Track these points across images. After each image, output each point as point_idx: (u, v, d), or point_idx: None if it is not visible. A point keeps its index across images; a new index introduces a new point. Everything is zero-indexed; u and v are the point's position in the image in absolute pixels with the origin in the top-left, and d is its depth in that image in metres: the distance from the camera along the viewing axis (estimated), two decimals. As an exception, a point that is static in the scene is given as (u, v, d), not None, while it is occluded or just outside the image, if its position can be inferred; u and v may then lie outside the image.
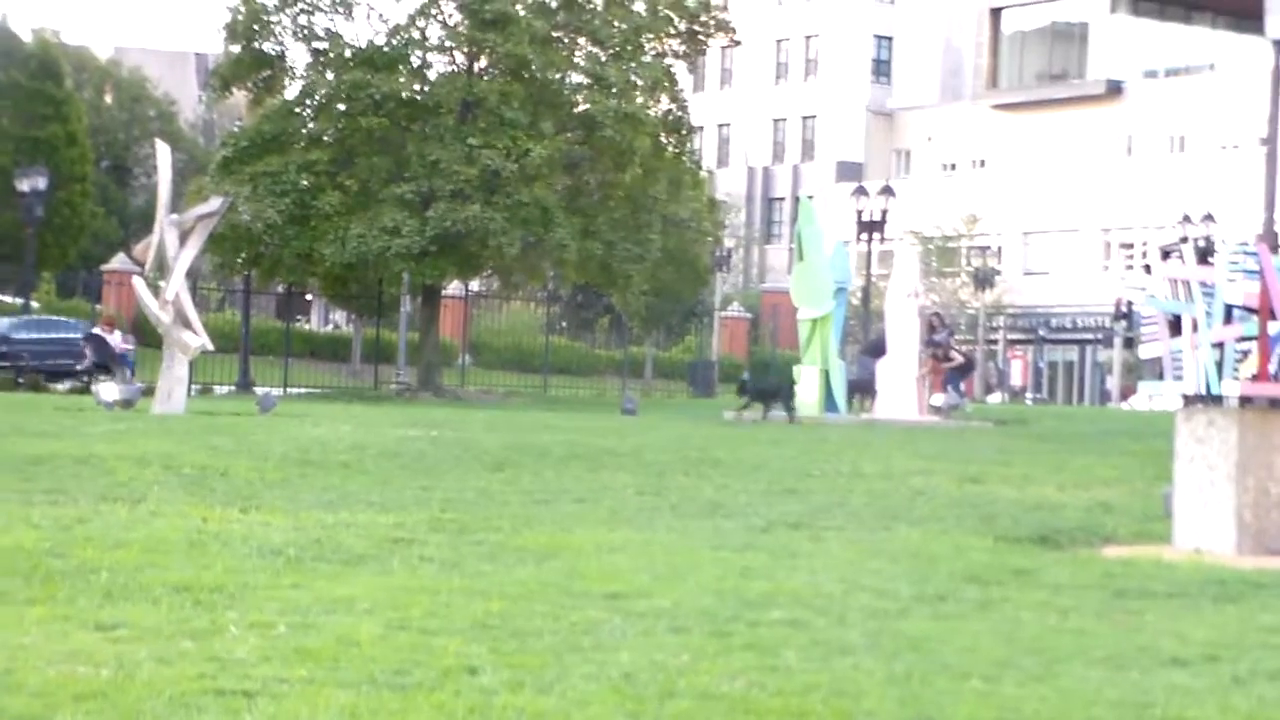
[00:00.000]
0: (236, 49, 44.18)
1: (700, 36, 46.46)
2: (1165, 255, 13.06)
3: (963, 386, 37.86)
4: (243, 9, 43.75)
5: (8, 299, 51.51)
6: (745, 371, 41.33)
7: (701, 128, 72.37)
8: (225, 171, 42.70)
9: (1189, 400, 12.39)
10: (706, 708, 6.68)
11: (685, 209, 46.59)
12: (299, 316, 70.48)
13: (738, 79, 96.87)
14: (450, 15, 44.14)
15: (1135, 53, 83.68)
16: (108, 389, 28.48)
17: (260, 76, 44.69)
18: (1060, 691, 7.13)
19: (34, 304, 47.77)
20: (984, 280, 75.67)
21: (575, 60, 44.99)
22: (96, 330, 41.87)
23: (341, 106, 42.90)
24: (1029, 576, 10.39)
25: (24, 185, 46.98)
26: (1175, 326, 12.68)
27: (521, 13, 43.16)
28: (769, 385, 32.06)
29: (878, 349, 35.07)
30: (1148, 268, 13.16)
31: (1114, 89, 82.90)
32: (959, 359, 36.35)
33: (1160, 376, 12.98)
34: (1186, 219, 55.83)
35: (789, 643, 7.99)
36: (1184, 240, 43.37)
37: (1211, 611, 9.31)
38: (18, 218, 51.11)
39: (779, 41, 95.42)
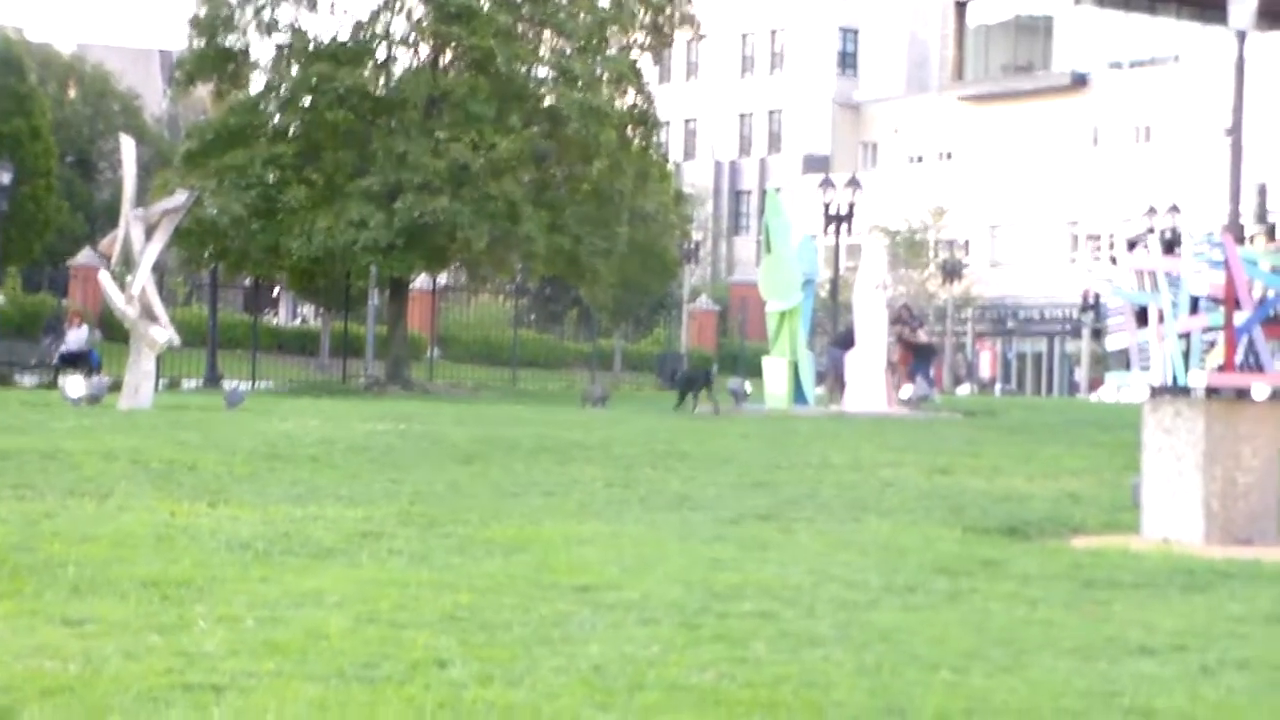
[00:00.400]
0: (201, 43, 44.01)
1: (665, 30, 46.41)
2: (1131, 246, 13.11)
3: (932, 374, 38.00)
4: (206, 3, 43.59)
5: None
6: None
7: (668, 121, 72.32)
8: (190, 164, 42.55)
9: (1156, 391, 12.43)
10: (676, 699, 6.68)
11: (652, 202, 46.56)
12: (266, 310, 70.28)
13: (703, 72, 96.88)
14: (415, 9, 44.03)
15: (1100, 44, 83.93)
16: (74, 384, 28.37)
17: (225, 70, 44.54)
18: (1029, 682, 7.15)
19: (1, 299, 47.55)
20: (951, 272, 75.83)
21: (540, 54, 44.90)
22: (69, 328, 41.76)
23: (306, 100, 42.77)
24: (998, 567, 10.41)
25: (-12, 179, 46.76)
26: (1142, 318, 12.72)
27: (486, 6, 43.07)
28: (693, 375, 32.77)
29: (846, 341, 35.16)
30: (1114, 259, 13.20)
31: (1079, 81, 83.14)
32: (924, 339, 36.51)
33: (1127, 367, 13.02)
34: (1152, 210, 55.98)
35: (758, 634, 8.00)
36: (1150, 231, 43.53)
37: (1179, 601, 9.34)
38: (-18, 212, 50.87)
39: (744, 35, 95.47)
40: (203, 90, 48.75)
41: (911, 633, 8.14)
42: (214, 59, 44.10)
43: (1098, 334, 60.88)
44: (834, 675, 7.17)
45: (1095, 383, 60.99)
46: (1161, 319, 12.51)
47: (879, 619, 8.53)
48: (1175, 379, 12.34)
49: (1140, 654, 7.78)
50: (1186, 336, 12.43)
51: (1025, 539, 12.15)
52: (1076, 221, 78.98)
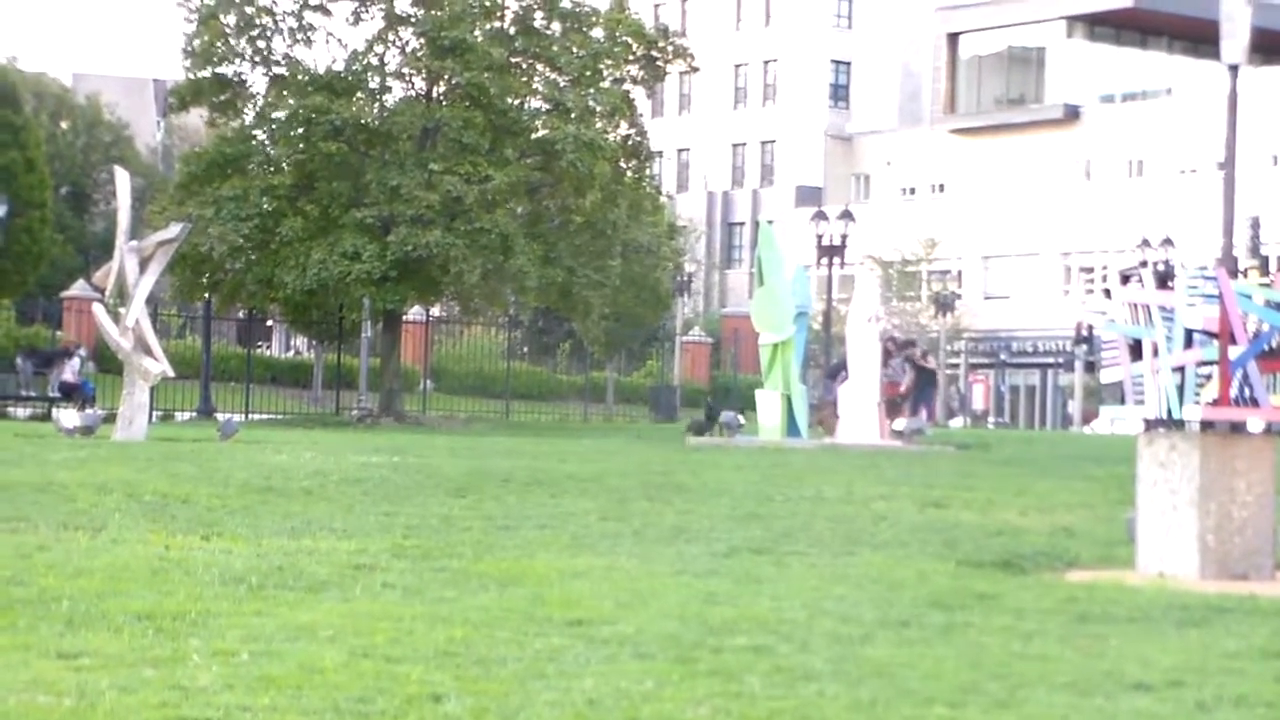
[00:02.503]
0: (196, 73, 44.06)
1: (659, 63, 46.51)
2: (1125, 280, 13.11)
3: (934, 405, 38.26)
4: (203, 34, 43.65)
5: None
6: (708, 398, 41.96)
7: (661, 153, 72.57)
8: (186, 192, 42.58)
9: (1150, 425, 12.43)
10: (672, 735, 6.67)
11: (645, 234, 46.59)
12: (260, 343, 70.25)
13: (696, 104, 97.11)
14: (408, 42, 44.13)
15: (1092, 77, 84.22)
16: (68, 416, 28.36)
17: (219, 99, 44.59)
18: (1025, 717, 7.14)
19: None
20: (944, 304, 75.92)
21: (534, 86, 44.99)
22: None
23: (301, 131, 42.81)
24: (992, 601, 10.40)
25: (-17, 212, 46.81)
26: (1136, 351, 12.73)
27: (479, 39, 43.16)
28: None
29: (836, 372, 35.31)
30: (1107, 292, 13.20)
31: (1072, 113, 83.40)
32: (931, 364, 36.88)
33: (1121, 401, 13.03)
34: (1145, 243, 56.13)
35: (753, 669, 7.99)
36: (1143, 264, 43.59)
37: (1175, 636, 9.33)
38: (-23, 244, 50.91)
39: (737, 66, 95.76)
40: (197, 119, 48.73)
41: (906, 667, 8.13)
42: (209, 86, 44.15)
43: (1091, 367, 60.91)
44: (829, 710, 7.16)
45: (1089, 415, 60.98)
46: (1156, 352, 12.52)
47: (873, 653, 8.52)
48: (1170, 413, 12.34)
49: (1136, 690, 7.77)
50: (1181, 370, 12.44)
51: (1020, 573, 12.14)
52: (1069, 254, 79.12)
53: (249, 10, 43.55)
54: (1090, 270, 76.07)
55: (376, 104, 44.08)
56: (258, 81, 44.57)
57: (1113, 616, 9.91)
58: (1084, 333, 61.15)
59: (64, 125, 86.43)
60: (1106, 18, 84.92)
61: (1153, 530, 12.43)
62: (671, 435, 36.92)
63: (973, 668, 8.16)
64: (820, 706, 7.21)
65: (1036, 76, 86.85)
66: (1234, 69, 26.54)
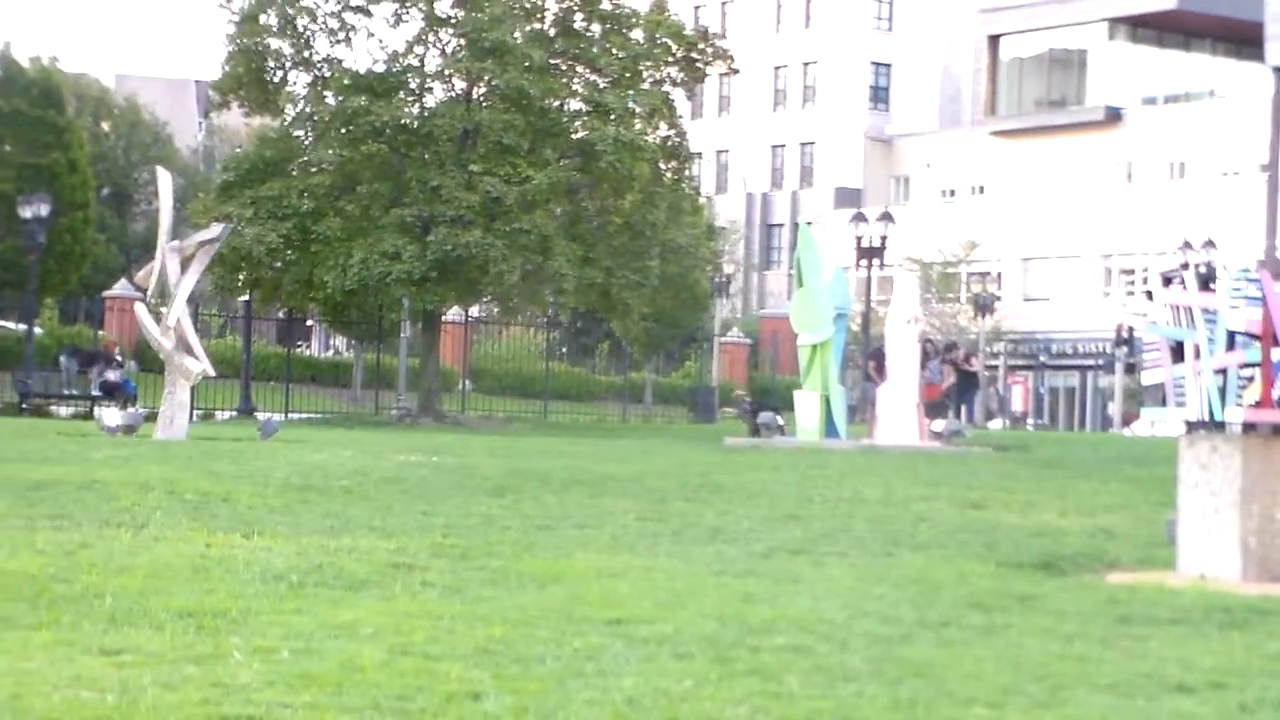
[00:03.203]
0: (237, 73, 44.23)
1: (699, 64, 46.52)
2: (1166, 281, 13.06)
3: (974, 407, 38.27)
4: (244, 34, 43.83)
5: (11, 325, 51.48)
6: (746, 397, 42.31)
7: (700, 154, 72.52)
8: (226, 194, 42.77)
9: (1192, 426, 12.38)
10: (711, 734, 6.67)
11: (684, 235, 46.61)
12: (300, 342, 70.50)
13: (736, 106, 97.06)
14: (449, 43, 44.23)
15: (1134, 79, 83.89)
16: (110, 414, 28.52)
17: (260, 98, 44.76)
18: (1065, 718, 7.12)
19: (38, 330, 47.78)
20: (984, 306, 75.74)
21: (574, 88, 45.04)
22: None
23: (341, 132, 42.94)
24: (1032, 602, 10.37)
25: (27, 212, 47.02)
26: (1177, 353, 12.68)
27: (520, 41, 43.22)
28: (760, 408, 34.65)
29: (877, 355, 35.41)
30: (1149, 294, 13.15)
31: (1113, 115, 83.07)
32: (974, 367, 36.93)
33: (1162, 403, 12.98)
34: (1187, 245, 55.88)
35: (792, 669, 7.98)
36: (1185, 266, 43.40)
37: (1217, 638, 9.29)
38: (20, 244, 51.14)
39: (777, 68, 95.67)
40: (238, 120, 48.92)
41: (946, 668, 8.12)
42: (249, 85, 44.31)
43: (1131, 368, 60.73)
44: (868, 710, 7.15)
45: (1129, 417, 60.77)
46: (1198, 354, 12.47)
47: (913, 654, 8.51)
48: (1212, 415, 12.29)
49: (1178, 692, 7.74)
50: (1223, 372, 12.39)
51: (1060, 574, 12.10)
52: (1110, 256, 78.83)
53: (290, 10, 43.71)
54: (1131, 272, 75.79)
55: (417, 105, 44.20)
56: (298, 82, 44.75)
57: (1154, 618, 9.88)
58: (1124, 334, 60.94)
59: (105, 126, 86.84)
60: (1149, 19, 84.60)
61: (1194, 532, 12.38)
62: (710, 436, 36.92)
63: (1013, 669, 8.14)
64: (859, 706, 7.20)
65: (1078, 78, 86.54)
66: (1278, 71, 26.42)
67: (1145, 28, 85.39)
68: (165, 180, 28.54)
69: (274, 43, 44.02)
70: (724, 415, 52.93)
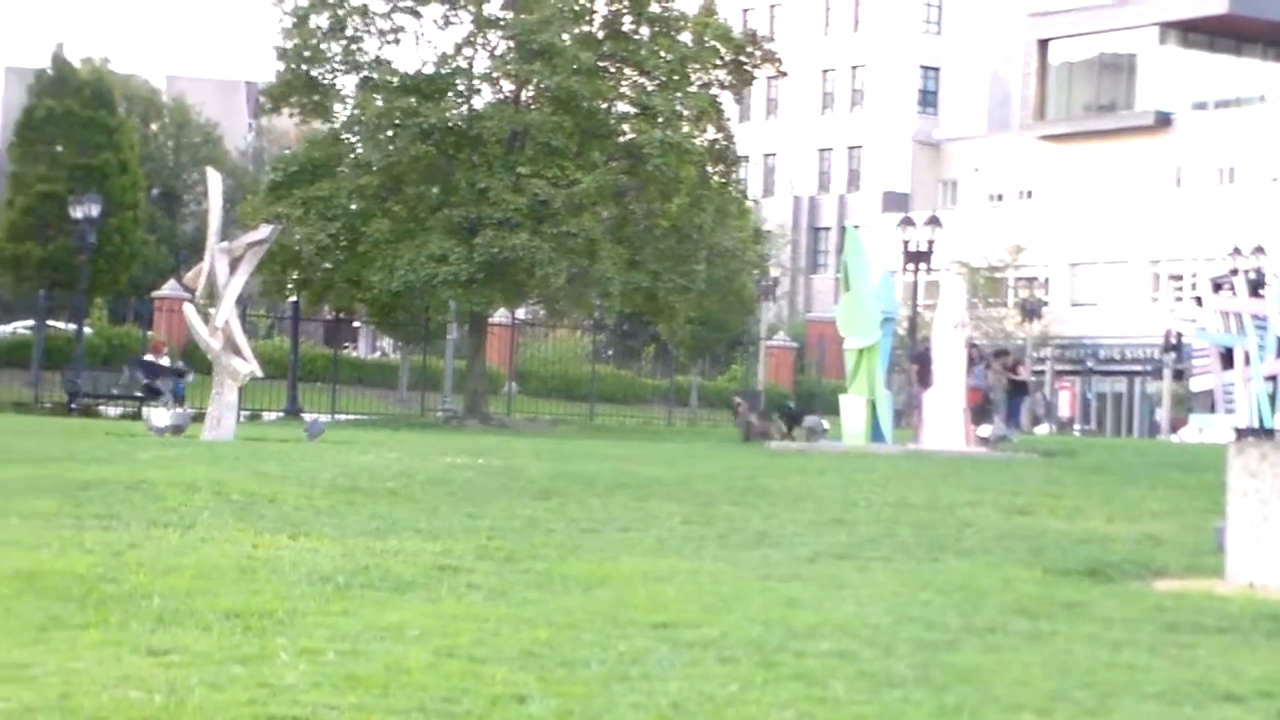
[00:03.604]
0: (288, 74, 44.41)
1: (746, 67, 46.48)
2: (1216, 287, 13.01)
3: (1021, 413, 38.19)
4: (295, 36, 44.01)
5: (60, 325, 51.80)
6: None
7: (747, 157, 72.46)
8: (275, 195, 42.95)
9: (1241, 433, 12.32)
10: (756, 738, 6.66)
11: (731, 239, 46.57)
12: (346, 344, 70.74)
13: (783, 109, 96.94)
14: (497, 45, 44.31)
15: (1185, 84, 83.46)
16: (159, 415, 28.66)
17: (310, 101, 44.93)
18: (1112, 725, 7.09)
19: (87, 330, 48.04)
20: (1031, 311, 75.47)
21: (622, 90, 45.05)
22: (148, 357, 42.15)
23: (389, 133, 43.07)
24: (1079, 609, 10.33)
25: (78, 212, 47.33)
26: (1227, 359, 12.62)
27: (568, 43, 43.26)
28: (794, 412, 34.81)
29: (922, 358, 35.35)
30: (1199, 299, 13.10)
31: (1163, 120, 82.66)
32: (1024, 375, 36.93)
33: (1211, 409, 12.92)
34: (1237, 251, 55.56)
35: (837, 674, 7.97)
36: (1234, 272, 43.18)
37: (1265, 647, 9.24)
38: (71, 244, 51.47)
39: (825, 72, 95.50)
40: (287, 120, 49.11)
41: (992, 674, 8.09)
42: (300, 87, 44.49)
43: (1179, 374, 60.43)
44: (914, 716, 7.14)
45: (1177, 423, 60.46)
46: (1247, 361, 12.41)
47: (959, 660, 8.48)
48: (1261, 421, 12.23)
49: (1226, 700, 7.70)
50: (1273, 379, 12.33)
51: (1107, 581, 12.04)
52: (1158, 261, 78.44)
53: (340, 12, 43.87)
54: (1179, 278, 75.42)
55: (465, 107, 44.28)
56: (348, 84, 44.90)
57: (1201, 626, 9.83)
58: (1173, 340, 60.62)
59: (154, 127, 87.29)
60: (1200, 24, 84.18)
61: (1242, 540, 12.31)
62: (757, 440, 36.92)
63: (1060, 675, 8.11)
64: (905, 712, 7.19)
65: (1128, 83, 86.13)
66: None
67: (1196, 32, 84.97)
68: (215, 181, 28.65)
69: (324, 45, 44.17)
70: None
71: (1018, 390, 39.59)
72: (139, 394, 41.03)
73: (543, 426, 43.98)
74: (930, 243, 52.31)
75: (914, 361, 37.10)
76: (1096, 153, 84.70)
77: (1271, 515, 12.13)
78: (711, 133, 45.67)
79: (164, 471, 18.06)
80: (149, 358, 42.23)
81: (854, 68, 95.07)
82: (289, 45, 44.03)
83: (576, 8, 44.11)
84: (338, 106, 45.20)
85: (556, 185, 41.48)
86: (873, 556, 13.02)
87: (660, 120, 43.12)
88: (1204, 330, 12.76)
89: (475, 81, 44.67)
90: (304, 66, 44.09)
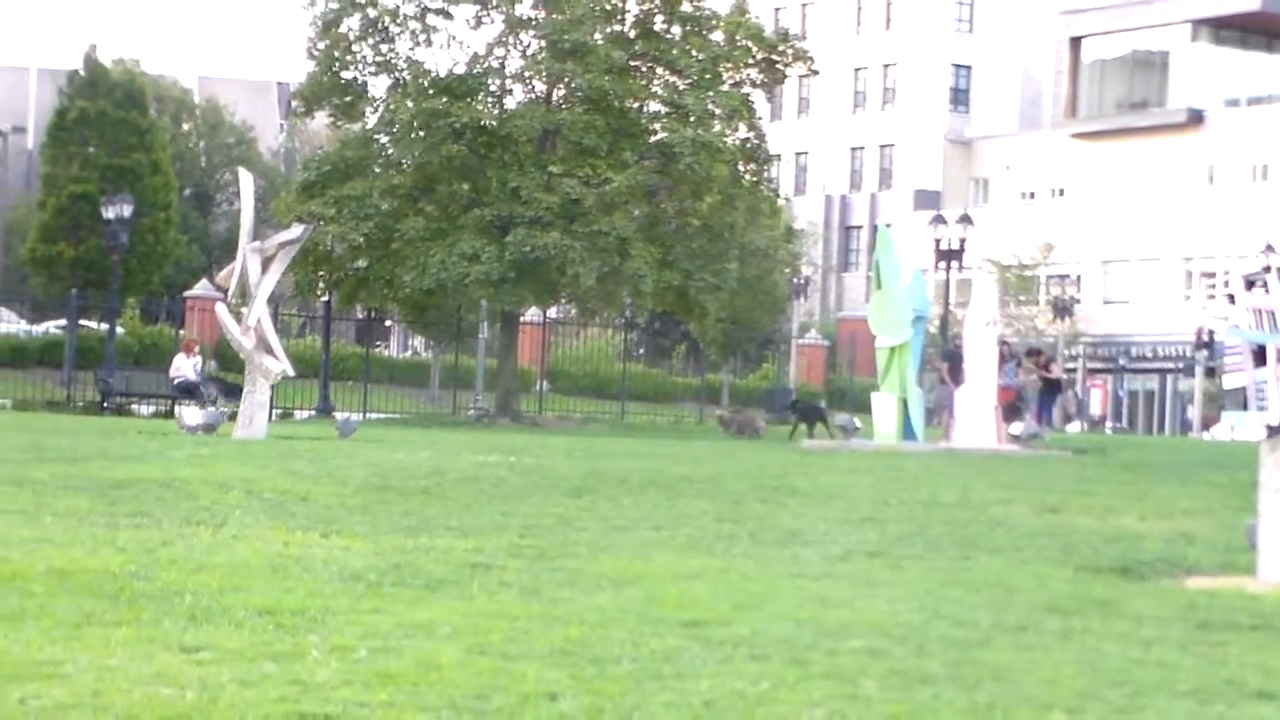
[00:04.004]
0: (319, 75, 44.49)
1: (778, 66, 46.42)
2: (1248, 285, 12.94)
3: (1053, 412, 38.12)
4: (326, 38, 44.09)
5: (93, 325, 52.00)
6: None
7: (779, 156, 72.38)
8: (307, 194, 43.04)
9: (1273, 431, 12.27)
10: (787, 736, 6.66)
11: (763, 238, 46.52)
12: (378, 342, 70.88)
13: (815, 107, 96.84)
14: (529, 45, 44.32)
15: (1217, 81, 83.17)
16: (191, 413, 28.73)
17: (341, 102, 45.01)
18: (1144, 723, 7.07)
19: (120, 329, 48.21)
20: (1063, 309, 75.29)
21: (654, 90, 45.03)
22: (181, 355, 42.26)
23: (421, 134, 43.10)
24: (1111, 607, 10.31)
25: (110, 213, 47.50)
26: (1259, 356, 12.57)
27: (600, 42, 43.25)
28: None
29: (953, 357, 35.30)
30: (1231, 297, 13.05)
31: (1195, 118, 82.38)
32: (1056, 373, 36.92)
33: (1243, 406, 12.87)
34: (1269, 248, 55.36)
35: (868, 672, 7.97)
36: (1267, 269, 43.01)
37: (1297, 645, 9.21)
38: (104, 244, 51.68)
39: (857, 70, 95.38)
40: (319, 123, 49.20)
41: (1023, 672, 8.08)
42: (332, 89, 44.57)
43: (1211, 372, 60.23)
44: (945, 714, 7.13)
45: (1208, 421, 60.30)
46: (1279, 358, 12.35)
47: (990, 658, 8.48)
48: (1293, 419, 12.17)
49: (1259, 698, 7.68)
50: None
51: (1138, 579, 12.02)
52: (1190, 259, 78.18)
53: (371, 13, 43.93)
54: (1212, 275, 75.16)
55: (497, 107, 44.31)
56: (379, 86, 44.95)
57: (1234, 624, 9.80)
58: (1204, 338, 60.47)
59: (186, 127, 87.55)
60: (1232, 21, 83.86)
61: (1274, 537, 12.27)
62: (786, 437, 36.89)
63: (1091, 674, 8.09)
64: (936, 710, 7.18)
65: (1160, 80, 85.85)
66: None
67: (1228, 29, 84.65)
68: (247, 181, 28.72)
69: (356, 47, 44.23)
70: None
71: (1050, 388, 39.57)
72: (199, 382, 41.17)
73: (574, 425, 44.00)
74: (962, 241, 52.22)
75: (945, 360, 37.05)
76: (1128, 150, 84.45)
77: (1304, 513, 12.07)
78: (743, 131, 45.61)
79: (196, 470, 18.12)
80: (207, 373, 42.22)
81: (886, 66, 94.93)
82: (320, 47, 44.10)
83: (608, 7, 44.10)
84: (369, 108, 45.25)
85: (588, 184, 41.49)
86: (904, 554, 13.01)
87: (692, 119, 43.08)
88: (1236, 327, 12.70)
89: (507, 81, 44.69)
90: (335, 69, 44.15)
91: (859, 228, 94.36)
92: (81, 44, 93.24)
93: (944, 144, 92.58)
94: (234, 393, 40.38)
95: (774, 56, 45.96)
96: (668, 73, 44.76)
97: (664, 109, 44.48)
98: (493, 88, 44.43)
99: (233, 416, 28.23)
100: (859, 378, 58.47)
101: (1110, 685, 7.82)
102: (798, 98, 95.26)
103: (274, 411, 35.71)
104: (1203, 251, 76.89)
